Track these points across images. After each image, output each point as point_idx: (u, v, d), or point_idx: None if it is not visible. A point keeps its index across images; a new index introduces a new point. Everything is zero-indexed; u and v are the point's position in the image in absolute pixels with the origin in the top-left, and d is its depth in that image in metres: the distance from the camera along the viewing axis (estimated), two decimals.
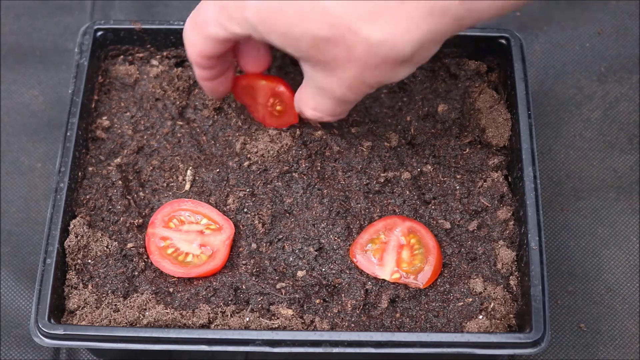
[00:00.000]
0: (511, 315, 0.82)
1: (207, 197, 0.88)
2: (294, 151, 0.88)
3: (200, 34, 0.79)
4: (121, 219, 0.86)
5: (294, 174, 0.88)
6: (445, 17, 0.70)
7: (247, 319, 0.80)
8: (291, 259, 0.85)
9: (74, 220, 0.85)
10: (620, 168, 1.02)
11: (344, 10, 0.70)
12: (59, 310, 0.81)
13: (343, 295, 0.83)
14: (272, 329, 0.80)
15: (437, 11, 0.69)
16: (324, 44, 0.72)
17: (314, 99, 0.80)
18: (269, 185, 0.88)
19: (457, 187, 0.88)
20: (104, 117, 0.92)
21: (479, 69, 0.95)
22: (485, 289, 0.82)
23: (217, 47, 0.80)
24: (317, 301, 0.82)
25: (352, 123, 0.92)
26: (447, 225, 0.86)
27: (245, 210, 0.87)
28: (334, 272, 0.84)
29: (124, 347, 0.79)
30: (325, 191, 0.87)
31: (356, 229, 0.86)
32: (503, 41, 0.93)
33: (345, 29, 0.70)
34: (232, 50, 0.84)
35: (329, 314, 0.82)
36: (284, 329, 0.80)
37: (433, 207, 0.87)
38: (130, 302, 0.82)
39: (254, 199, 0.87)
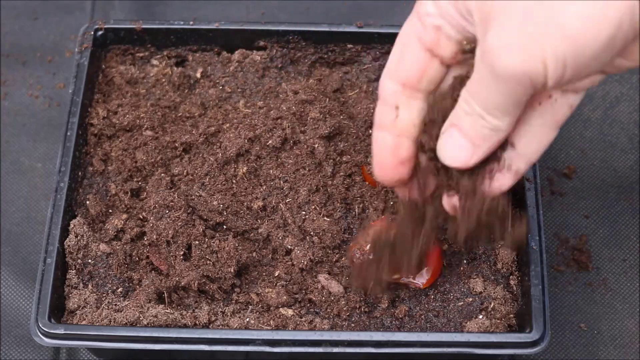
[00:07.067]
0: (511, 315, 0.81)
1: None
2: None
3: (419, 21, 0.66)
4: None
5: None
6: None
7: (247, 319, 0.80)
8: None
9: (74, 220, 0.85)
10: (620, 168, 1.02)
11: None
12: (59, 310, 0.81)
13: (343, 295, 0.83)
14: (272, 329, 0.80)
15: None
16: None
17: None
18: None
19: None
20: None
21: None
22: (485, 288, 0.82)
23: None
24: (317, 301, 0.82)
25: None
26: None
27: None
28: None
29: (124, 347, 0.79)
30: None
31: (356, 229, 0.86)
32: None
33: None
34: None
35: (329, 314, 0.82)
36: (284, 328, 0.80)
37: None
38: (130, 302, 0.81)
39: None
